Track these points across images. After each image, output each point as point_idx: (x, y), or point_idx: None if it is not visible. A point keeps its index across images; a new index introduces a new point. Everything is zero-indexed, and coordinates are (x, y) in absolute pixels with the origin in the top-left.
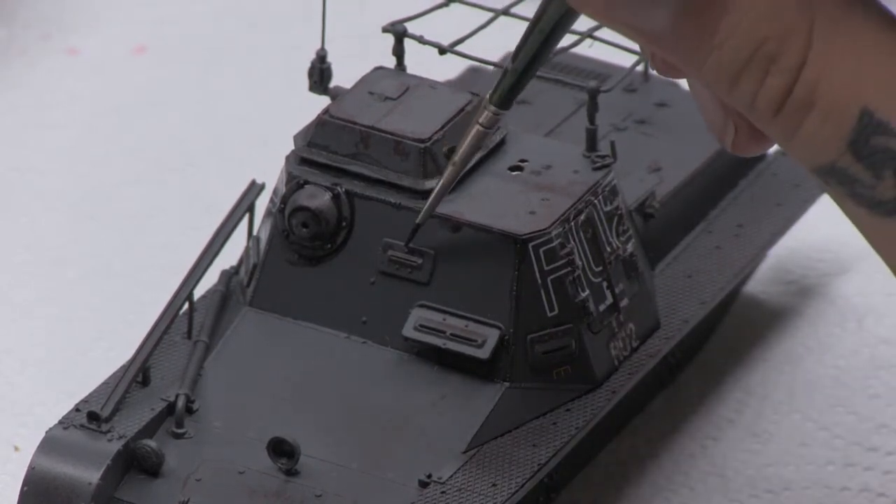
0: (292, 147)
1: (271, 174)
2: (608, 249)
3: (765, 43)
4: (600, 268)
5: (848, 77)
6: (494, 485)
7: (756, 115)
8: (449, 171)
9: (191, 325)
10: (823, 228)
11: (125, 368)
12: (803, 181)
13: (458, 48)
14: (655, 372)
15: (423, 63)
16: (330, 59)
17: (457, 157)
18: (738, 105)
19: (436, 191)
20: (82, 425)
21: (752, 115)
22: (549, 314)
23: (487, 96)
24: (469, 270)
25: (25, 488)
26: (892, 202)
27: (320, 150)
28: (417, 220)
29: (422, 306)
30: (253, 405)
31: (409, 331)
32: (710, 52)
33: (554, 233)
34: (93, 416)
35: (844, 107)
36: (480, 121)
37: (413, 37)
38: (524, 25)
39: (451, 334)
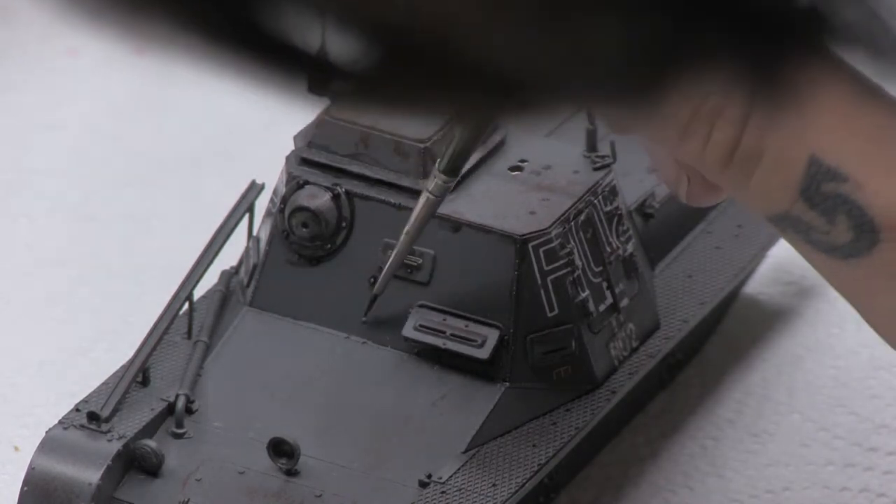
0: (292, 147)
1: (271, 174)
2: (608, 249)
3: (708, 97)
4: (600, 268)
5: (794, 126)
6: (494, 485)
7: (706, 169)
8: (402, 241)
9: (191, 325)
10: None
11: (125, 368)
12: None
13: None
14: (655, 372)
15: None
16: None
17: (409, 227)
18: (688, 159)
19: (390, 261)
20: (82, 425)
21: (702, 168)
22: (549, 314)
23: (437, 165)
24: (469, 270)
25: (25, 488)
26: (848, 246)
27: (320, 150)
28: (375, 291)
29: (422, 306)
30: (253, 405)
31: (409, 331)
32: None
33: (554, 233)
34: (93, 416)
35: (792, 156)
36: (430, 189)
37: None
38: None
39: (451, 334)
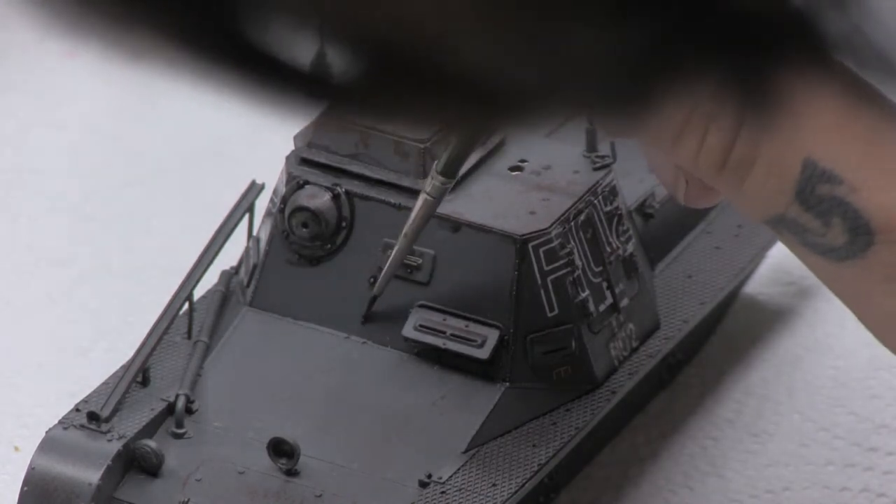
0: (292, 147)
1: (271, 174)
2: (608, 249)
3: (701, 103)
4: (600, 268)
5: (788, 129)
6: (494, 485)
7: (700, 173)
8: (401, 243)
9: (191, 325)
10: None
11: (125, 368)
12: None
13: None
14: (655, 372)
15: None
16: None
17: (407, 229)
18: (683, 164)
19: (389, 262)
20: (82, 425)
21: (697, 172)
22: (549, 314)
23: (435, 166)
24: (469, 270)
25: (25, 488)
26: (843, 248)
27: (320, 150)
28: (374, 291)
29: (422, 306)
30: (253, 405)
31: (409, 331)
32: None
33: (554, 233)
34: (93, 416)
35: (787, 159)
36: (428, 191)
37: None
38: None
39: (451, 334)
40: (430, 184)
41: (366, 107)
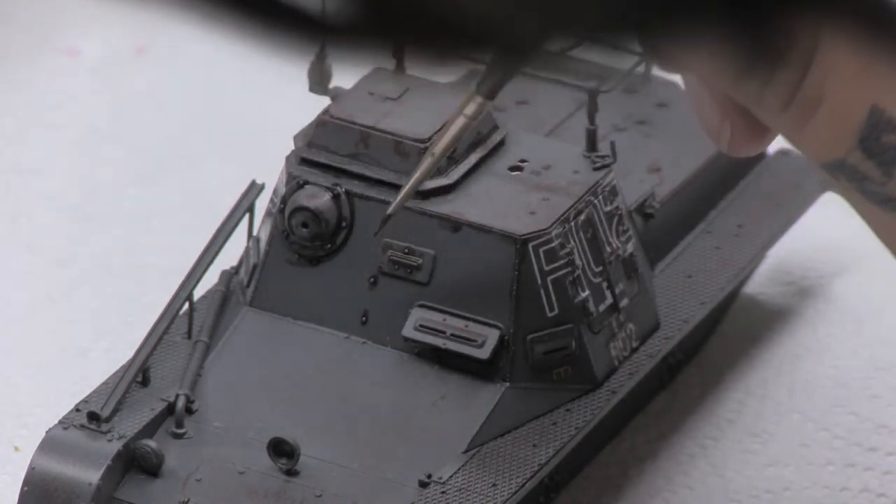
0: (292, 147)
1: (271, 174)
2: (608, 249)
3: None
4: (600, 268)
5: (857, 74)
6: (494, 485)
7: (763, 110)
8: (427, 162)
9: (191, 325)
10: (823, 229)
11: (125, 368)
12: (803, 182)
13: None
14: (655, 372)
15: None
16: (330, 59)
17: (436, 149)
18: (744, 100)
19: (412, 180)
20: (82, 425)
21: (759, 109)
22: (549, 314)
23: (475, 87)
24: (469, 270)
25: (25, 488)
26: None
27: (320, 150)
28: (389, 211)
29: (422, 306)
30: (253, 405)
31: (409, 331)
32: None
33: (554, 233)
34: (93, 416)
35: (854, 104)
36: (466, 112)
37: None
38: None
39: (451, 334)
40: (469, 105)
41: (361, 49)
